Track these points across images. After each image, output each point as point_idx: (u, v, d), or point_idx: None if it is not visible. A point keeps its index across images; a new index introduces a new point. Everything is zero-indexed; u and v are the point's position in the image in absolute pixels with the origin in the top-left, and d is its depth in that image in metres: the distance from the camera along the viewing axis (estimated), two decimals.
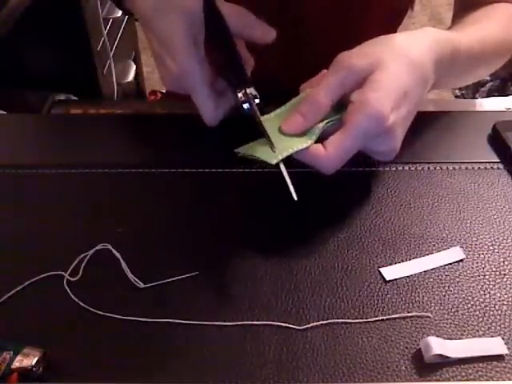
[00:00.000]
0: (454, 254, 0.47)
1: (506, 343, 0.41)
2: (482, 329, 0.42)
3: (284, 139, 0.47)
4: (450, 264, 0.47)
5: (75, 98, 1.38)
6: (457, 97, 2.04)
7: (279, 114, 0.49)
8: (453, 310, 0.43)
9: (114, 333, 0.42)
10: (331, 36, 0.68)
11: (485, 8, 0.61)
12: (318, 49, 0.69)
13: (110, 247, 0.47)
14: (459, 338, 0.41)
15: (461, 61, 0.53)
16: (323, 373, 0.39)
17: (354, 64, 0.45)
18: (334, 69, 0.46)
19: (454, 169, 0.55)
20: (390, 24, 0.74)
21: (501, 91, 1.98)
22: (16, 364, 0.38)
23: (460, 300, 0.44)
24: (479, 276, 0.46)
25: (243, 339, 0.41)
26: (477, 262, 0.47)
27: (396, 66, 0.45)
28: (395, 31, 0.76)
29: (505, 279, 0.46)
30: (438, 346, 0.40)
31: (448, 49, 0.50)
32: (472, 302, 0.44)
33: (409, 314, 0.43)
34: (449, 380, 0.39)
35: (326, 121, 0.47)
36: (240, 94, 0.48)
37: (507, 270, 0.46)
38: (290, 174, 0.55)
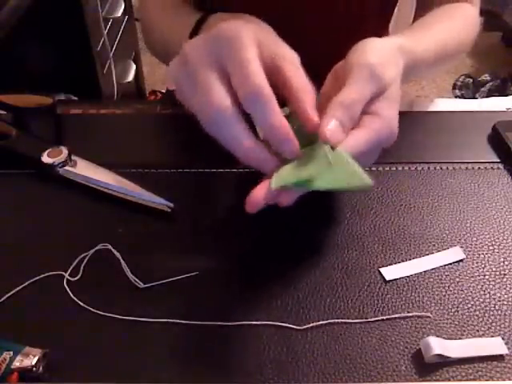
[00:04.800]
0: (454, 254, 0.47)
1: (506, 343, 0.41)
2: (482, 329, 0.42)
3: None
4: (450, 264, 0.47)
5: (75, 98, 1.38)
6: (457, 97, 2.05)
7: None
8: (453, 310, 0.43)
9: (114, 333, 0.42)
10: (329, 24, 0.69)
11: (444, 7, 0.62)
12: (318, 40, 0.70)
13: (110, 247, 0.47)
14: (459, 338, 0.41)
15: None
16: (323, 373, 0.39)
17: (386, 78, 0.43)
18: (365, 79, 0.43)
19: (453, 169, 0.55)
20: (384, 14, 0.76)
21: (501, 91, 1.98)
22: (16, 364, 0.38)
23: (460, 300, 0.44)
24: (479, 276, 0.46)
25: (243, 339, 0.41)
26: (477, 262, 0.47)
27: (398, 81, 0.45)
28: (389, 20, 0.78)
29: (505, 279, 0.46)
30: (438, 346, 0.40)
31: (410, 59, 0.50)
32: (472, 302, 0.44)
33: (409, 314, 0.43)
34: (449, 380, 0.39)
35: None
36: None
37: (507, 270, 0.46)
38: None
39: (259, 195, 0.39)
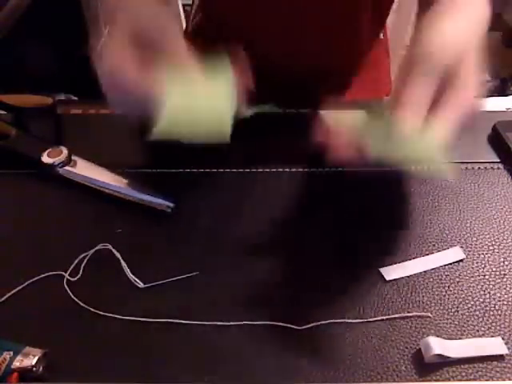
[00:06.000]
0: (454, 254, 0.47)
1: (506, 343, 0.41)
2: (482, 329, 0.42)
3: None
4: (450, 264, 0.47)
5: (75, 98, 1.38)
6: None
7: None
8: (453, 310, 0.43)
9: (114, 333, 0.42)
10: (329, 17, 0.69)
11: None
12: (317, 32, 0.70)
13: (110, 247, 0.47)
14: (459, 338, 0.41)
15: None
16: (323, 373, 0.39)
17: (446, 60, 0.44)
18: (427, 68, 0.44)
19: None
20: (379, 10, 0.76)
21: (501, 91, 1.98)
22: (16, 364, 0.38)
23: (460, 300, 0.44)
24: (479, 276, 0.46)
25: (243, 339, 0.41)
26: (477, 262, 0.47)
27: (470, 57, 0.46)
28: (387, 15, 0.78)
29: (505, 279, 0.46)
30: (438, 346, 0.40)
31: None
32: (472, 302, 0.44)
33: (409, 314, 0.43)
34: (449, 380, 0.39)
35: None
36: None
37: (507, 270, 0.46)
38: (291, 173, 0.55)
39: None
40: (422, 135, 0.41)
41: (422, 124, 0.42)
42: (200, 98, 0.43)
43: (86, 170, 0.53)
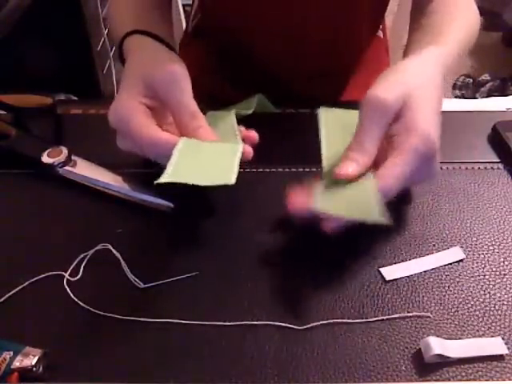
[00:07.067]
0: (454, 254, 0.47)
1: (506, 343, 0.41)
2: (482, 329, 0.42)
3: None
4: (450, 264, 0.47)
5: (75, 98, 1.38)
6: (457, 97, 2.04)
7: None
8: (453, 310, 0.43)
9: (114, 333, 0.42)
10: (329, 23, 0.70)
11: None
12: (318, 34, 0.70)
13: (110, 247, 0.47)
14: (459, 338, 0.41)
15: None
16: (323, 373, 0.39)
17: (388, 100, 0.44)
18: (369, 110, 0.45)
19: (453, 169, 0.55)
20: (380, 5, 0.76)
21: (501, 91, 1.98)
22: (16, 364, 0.38)
23: (460, 300, 0.44)
24: (479, 276, 0.46)
25: (243, 339, 0.41)
26: (477, 262, 0.47)
27: (424, 92, 0.46)
28: (384, 11, 0.79)
29: (505, 279, 0.46)
30: (438, 345, 0.40)
31: (449, 62, 0.52)
32: (472, 302, 0.44)
33: (409, 314, 0.43)
34: (449, 380, 0.39)
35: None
36: None
37: (507, 270, 0.46)
38: (291, 173, 0.55)
39: (300, 204, 0.44)
40: (358, 187, 0.43)
41: (360, 174, 0.44)
42: (207, 151, 0.47)
43: (86, 170, 0.54)
